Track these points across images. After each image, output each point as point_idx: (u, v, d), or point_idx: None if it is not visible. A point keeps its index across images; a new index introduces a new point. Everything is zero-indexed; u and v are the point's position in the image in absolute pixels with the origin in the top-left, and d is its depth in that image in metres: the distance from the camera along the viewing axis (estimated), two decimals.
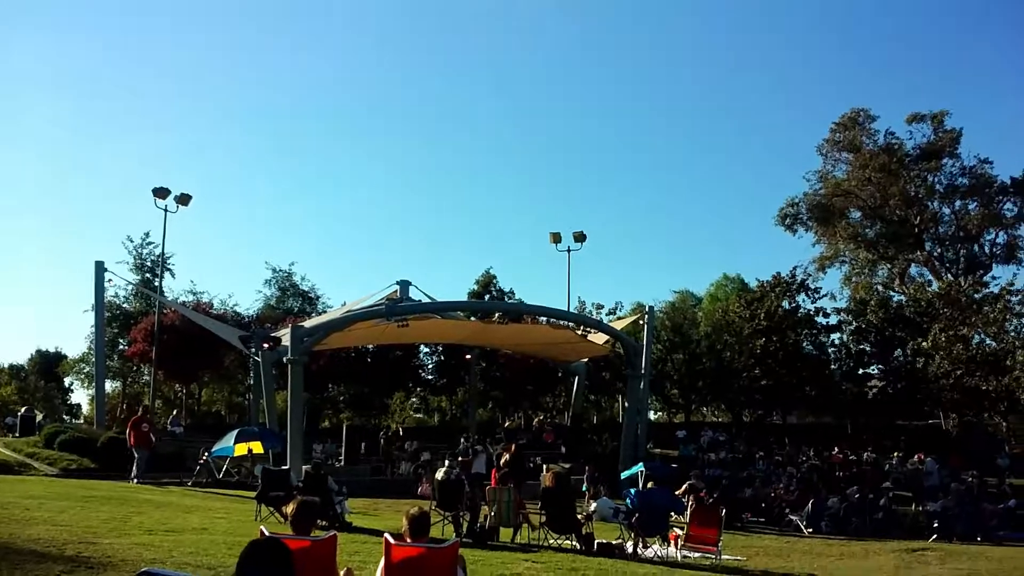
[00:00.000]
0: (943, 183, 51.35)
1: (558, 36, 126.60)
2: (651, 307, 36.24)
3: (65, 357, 61.66)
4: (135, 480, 22.31)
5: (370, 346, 39.45)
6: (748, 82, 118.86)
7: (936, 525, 19.91)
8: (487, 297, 45.18)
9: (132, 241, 46.73)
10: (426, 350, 43.91)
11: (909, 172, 50.34)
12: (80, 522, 11.89)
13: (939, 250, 52.46)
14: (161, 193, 35.17)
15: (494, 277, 46.70)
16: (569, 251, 40.61)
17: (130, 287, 45.61)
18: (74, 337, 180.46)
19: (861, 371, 41.27)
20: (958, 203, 51.71)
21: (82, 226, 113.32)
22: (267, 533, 5.98)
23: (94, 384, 33.40)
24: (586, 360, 35.44)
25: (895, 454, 31.84)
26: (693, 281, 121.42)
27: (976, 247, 51.33)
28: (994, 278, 43.09)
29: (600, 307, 46.97)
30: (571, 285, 41.45)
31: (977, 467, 28.48)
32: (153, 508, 15.55)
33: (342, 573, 6.29)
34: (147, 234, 46.70)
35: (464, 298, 43.93)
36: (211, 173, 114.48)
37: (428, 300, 32.06)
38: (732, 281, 65.63)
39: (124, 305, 46.53)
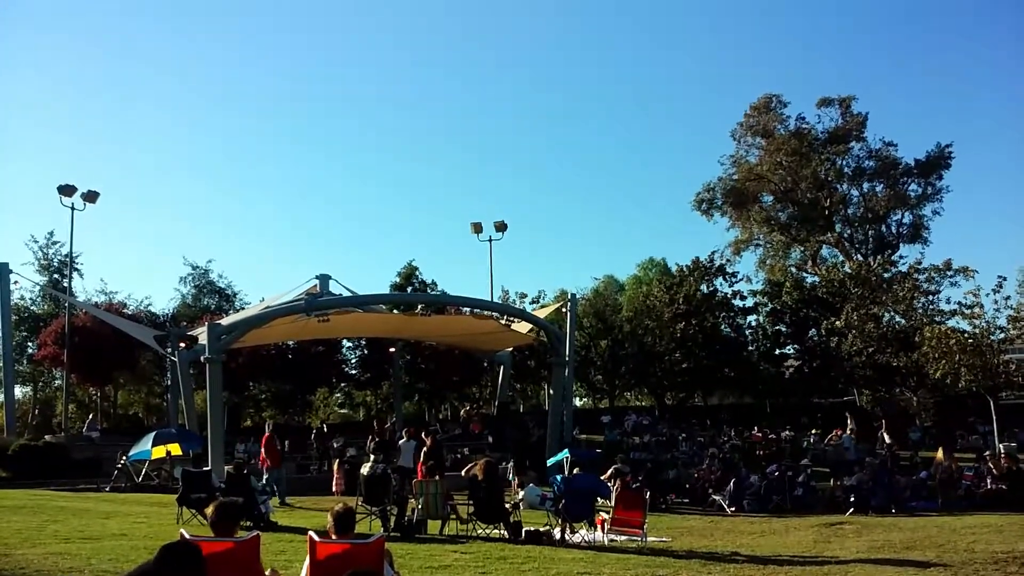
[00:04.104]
0: (851, 166, 52.82)
1: (474, 26, 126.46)
2: (573, 295, 36.43)
3: None
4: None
5: (291, 342, 38.91)
6: (667, 67, 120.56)
7: (852, 499, 20.49)
8: (409, 289, 44.90)
9: (36, 241, 45.50)
10: (349, 344, 43.49)
11: (819, 156, 51.56)
12: None
13: (849, 231, 53.94)
14: (67, 191, 33.98)
15: (416, 269, 46.47)
16: (491, 241, 40.52)
17: (37, 288, 44.28)
18: None
19: (778, 351, 42.28)
20: (866, 185, 53.29)
21: None
22: (188, 536, 5.87)
23: (3, 390, 32.24)
24: (511, 349, 35.51)
25: (813, 431, 32.71)
26: (617, 266, 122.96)
27: (884, 227, 52.91)
28: (902, 257, 44.50)
29: (524, 296, 47.24)
30: (494, 275, 41.50)
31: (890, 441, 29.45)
32: (69, 516, 15.11)
33: (268, 573, 6.20)
34: (51, 233, 45.56)
35: (386, 291, 43.67)
36: (121, 169, 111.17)
37: (349, 294, 31.74)
38: (656, 265, 66.55)
39: (32, 307, 45.14)
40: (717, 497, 22.22)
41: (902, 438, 30.75)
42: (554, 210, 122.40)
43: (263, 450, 21.72)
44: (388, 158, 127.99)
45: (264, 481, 20.36)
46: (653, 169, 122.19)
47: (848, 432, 30.32)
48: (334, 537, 6.33)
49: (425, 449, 18.44)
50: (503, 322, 32.25)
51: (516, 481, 21.50)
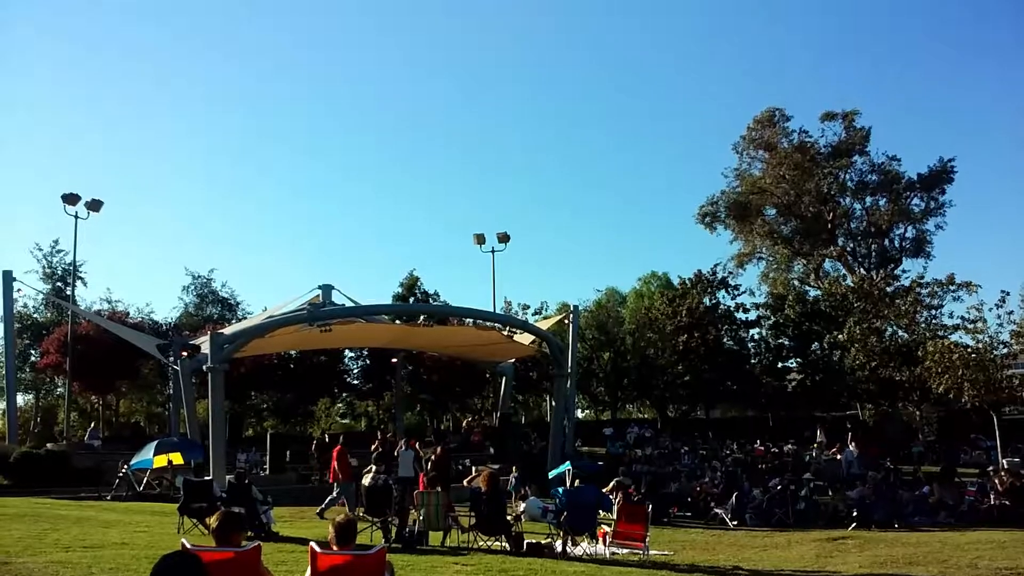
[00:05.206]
0: (854, 180, 52.75)
1: (479, 38, 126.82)
2: (575, 307, 36.42)
3: None
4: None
5: (293, 352, 38.90)
6: (671, 80, 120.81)
7: (855, 513, 20.40)
8: (412, 300, 44.95)
9: (41, 249, 45.59)
10: (351, 355, 43.49)
11: (822, 169, 51.53)
12: None
13: (852, 245, 53.82)
14: (71, 199, 34.09)
15: (418, 279, 46.56)
16: (493, 252, 40.60)
17: (40, 296, 44.35)
18: None
19: (780, 365, 42.23)
20: (868, 199, 53.17)
21: None
22: (189, 546, 5.86)
23: (5, 398, 32.25)
24: (513, 361, 35.47)
25: (815, 444, 32.61)
26: (620, 278, 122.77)
27: (887, 241, 52.83)
28: (904, 271, 44.64)
29: (526, 307, 47.27)
30: (496, 286, 41.55)
31: (892, 455, 29.33)
32: (70, 524, 15.08)
33: None
34: (56, 242, 45.68)
35: (388, 301, 43.66)
36: (125, 178, 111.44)
37: (351, 304, 31.73)
38: (658, 279, 66.50)
39: (35, 315, 45.20)
40: (719, 511, 22.12)
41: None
42: (557, 222, 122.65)
43: (335, 462, 20.37)
44: (391, 168, 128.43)
45: (335, 494, 19.82)
46: (656, 181, 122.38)
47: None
48: (335, 548, 6.32)
49: (432, 460, 18.35)
50: (505, 333, 32.24)
51: (518, 493, 21.43)
